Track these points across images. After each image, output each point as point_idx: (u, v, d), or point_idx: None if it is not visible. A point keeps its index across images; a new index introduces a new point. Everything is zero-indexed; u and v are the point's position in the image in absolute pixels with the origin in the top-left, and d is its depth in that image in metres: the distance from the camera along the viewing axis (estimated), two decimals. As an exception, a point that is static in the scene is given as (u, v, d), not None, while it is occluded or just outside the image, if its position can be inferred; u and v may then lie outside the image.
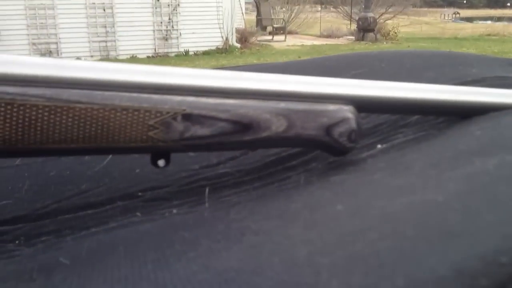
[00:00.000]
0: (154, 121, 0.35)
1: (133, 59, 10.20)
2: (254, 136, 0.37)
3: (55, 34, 9.74)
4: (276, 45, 12.68)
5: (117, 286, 0.24)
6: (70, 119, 0.34)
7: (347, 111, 0.38)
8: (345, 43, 13.05)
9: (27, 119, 0.33)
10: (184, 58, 10.34)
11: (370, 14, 12.87)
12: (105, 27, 10.13)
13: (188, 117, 0.35)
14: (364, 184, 0.32)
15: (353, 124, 0.38)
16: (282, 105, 0.37)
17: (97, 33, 10.08)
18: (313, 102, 0.38)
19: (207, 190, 0.40)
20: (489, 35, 15.12)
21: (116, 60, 9.99)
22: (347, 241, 0.23)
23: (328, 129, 0.38)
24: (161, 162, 0.38)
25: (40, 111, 0.33)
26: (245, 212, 0.32)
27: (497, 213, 0.22)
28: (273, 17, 15.26)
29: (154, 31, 10.59)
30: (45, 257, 0.33)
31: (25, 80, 0.33)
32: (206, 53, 10.70)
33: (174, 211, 0.38)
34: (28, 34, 9.54)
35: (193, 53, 10.86)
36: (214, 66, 8.79)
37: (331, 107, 0.38)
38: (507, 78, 0.45)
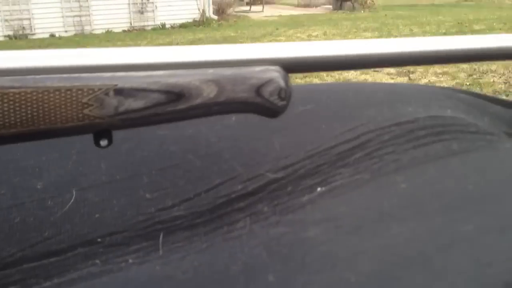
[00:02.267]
0: (88, 98, 0.36)
1: (109, 34, 10.04)
2: (187, 104, 0.39)
3: (28, 10, 9.51)
4: (254, 16, 12.57)
5: None
6: (5, 104, 0.35)
7: (274, 71, 0.41)
8: (322, 12, 12.98)
9: None
10: (161, 32, 10.21)
11: (348, -17, 12.79)
12: (79, 1, 9.92)
13: (120, 92, 0.37)
14: (297, 245, 0.35)
15: (281, 83, 0.41)
16: (211, 71, 0.39)
17: (70, 8, 9.88)
18: (240, 66, 0.40)
19: (161, 236, 0.44)
20: (466, 0, 15.16)
21: (91, 35, 9.83)
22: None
23: (258, 90, 0.40)
24: (103, 142, 0.39)
25: None
26: (191, 272, 0.35)
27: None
28: (250, -13, 15.07)
29: (129, 4, 10.41)
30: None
31: None
32: (182, 26, 10.58)
33: (130, 260, 0.41)
34: (0, 11, 9.30)
35: (169, 26, 10.72)
36: (191, 40, 8.69)
37: (258, 68, 0.40)
38: (438, 118, 0.48)
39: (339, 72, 5.26)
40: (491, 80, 4.60)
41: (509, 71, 4.85)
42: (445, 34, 7.40)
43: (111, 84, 0.37)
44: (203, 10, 10.83)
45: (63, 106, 0.36)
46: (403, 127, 0.46)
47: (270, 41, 7.98)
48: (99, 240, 0.45)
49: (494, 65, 5.12)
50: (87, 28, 10.12)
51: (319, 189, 0.45)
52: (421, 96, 0.53)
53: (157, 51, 0.39)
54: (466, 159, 0.42)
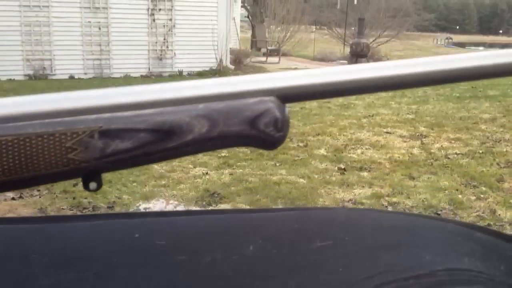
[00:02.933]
0: (72, 142, 0.35)
1: (127, 78, 10.24)
2: (178, 142, 0.37)
3: (50, 51, 9.77)
4: (269, 67, 12.78)
5: None
6: None
7: (268, 101, 0.38)
8: (338, 67, 13.16)
9: None
10: (178, 79, 10.37)
11: (363, 40, 13.04)
12: (100, 45, 10.18)
13: (105, 133, 0.36)
14: None
15: (276, 113, 0.38)
16: (201, 106, 0.38)
17: (91, 51, 10.13)
18: (232, 99, 0.38)
19: None
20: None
21: (110, 78, 10.03)
22: None
23: (253, 122, 0.38)
24: (92, 185, 0.38)
25: None
26: None
27: None
28: (267, 39, 15.38)
29: (148, 50, 10.65)
30: None
31: None
32: (199, 74, 10.75)
33: None
34: (22, 50, 9.56)
35: (187, 73, 10.92)
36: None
37: (251, 100, 0.38)
38: (457, 272, 0.48)
39: (352, 132, 5.30)
40: (504, 150, 4.59)
41: (523, 141, 4.85)
42: (459, 98, 7.46)
43: (95, 126, 0.36)
44: (221, 59, 11.04)
45: (46, 152, 0.35)
46: (421, 282, 0.46)
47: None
48: None
49: (508, 134, 5.12)
50: (106, 72, 10.33)
51: None
52: (439, 237, 0.53)
53: (143, 89, 0.38)
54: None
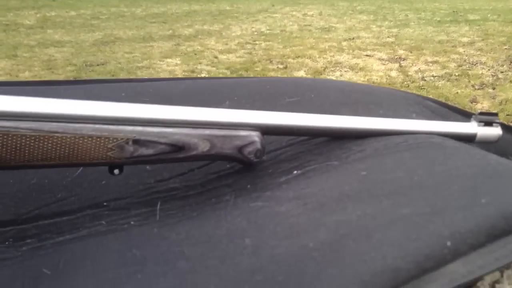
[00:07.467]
0: (112, 145, 0.48)
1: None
2: (185, 155, 0.51)
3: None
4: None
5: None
6: (49, 145, 0.47)
7: (255, 136, 0.53)
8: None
9: (18, 145, 0.46)
10: (156, 0, 10.12)
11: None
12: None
13: (137, 142, 0.49)
14: (271, 217, 0.43)
15: (258, 146, 0.53)
16: (207, 132, 0.51)
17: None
18: (229, 129, 0.52)
19: (159, 203, 0.51)
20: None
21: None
22: (244, 279, 0.34)
23: (240, 149, 0.53)
24: (116, 171, 0.51)
25: (27, 139, 0.46)
26: (183, 234, 0.43)
27: (341, 267, 0.34)
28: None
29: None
30: (31, 264, 0.43)
31: (16, 115, 0.45)
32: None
33: (132, 222, 0.49)
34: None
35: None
36: (187, 11, 8.65)
37: (243, 133, 0.53)
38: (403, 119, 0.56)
39: (332, 54, 5.33)
40: (480, 72, 4.68)
41: (498, 64, 4.94)
42: (439, 22, 7.46)
43: (131, 135, 0.49)
44: (200, -19, 10.74)
45: (92, 149, 0.48)
46: None
47: (265, 17, 7.98)
48: (105, 203, 0.52)
49: (484, 57, 5.21)
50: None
51: (295, 172, 0.53)
52: (392, 99, 0.60)
53: (167, 110, 0.50)
54: (418, 153, 0.50)
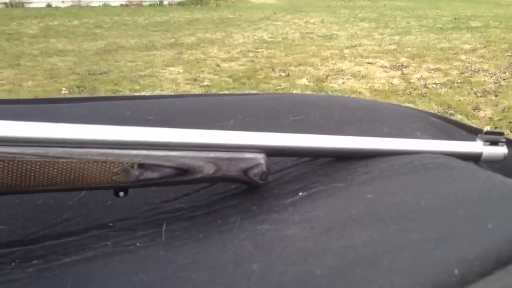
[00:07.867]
0: (117, 169, 0.48)
1: (106, 7, 9.99)
2: (191, 177, 0.50)
3: (25, -22, 9.43)
4: (253, -2, 12.52)
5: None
6: (55, 170, 0.46)
7: (260, 158, 0.52)
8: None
9: (23, 171, 0.45)
10: (158, 9, 10.17)
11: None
12: (78, -28, 9.85)
13: (142, 166, 0.48)
14: (278, 241, 0.43)
15: (264, 168, 0.52)
16: (212, 154, 0.51)
17: (69, -22, 9.80)
18: (235, 152, 0.51)
19: (164, 224, 0.51)
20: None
21: (88, 7, 9.77)
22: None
23: (246, 171, 0.52)
24: (121, 193, 0.51)
25: (33, 164, 0.46)
26: (189, 258, 0.43)
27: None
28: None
29: (128, -22, 10.34)
30: (38, 286, 0.43)
31: (22, 141, 0.45)
32: (180, 4, 10.53)
33: (138, 244, 0.49)
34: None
35: (167, 3, 10.67)
36: (189, 19, 8.67)
37: (248, 155, 0.52)
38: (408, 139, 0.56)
39: (334, 62, 5.34)
40: (482, 79, 4.68)
41: (500, 71, 4.94)
42: (441, 29, 7.47)
43: (136, 160, 0.48)
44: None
45: (97, 174, 0.47)
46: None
47: (267, 25, 8.00)
48: (110, 224, 0.52)
49: (487, 64, 5.21)
50: (84, 0, 10.05)
51: (300, 193, 0.53)
52: (397, 117, 0.61)
53: (171, 133, 0.50)
54: (424, 176, 0.50)
